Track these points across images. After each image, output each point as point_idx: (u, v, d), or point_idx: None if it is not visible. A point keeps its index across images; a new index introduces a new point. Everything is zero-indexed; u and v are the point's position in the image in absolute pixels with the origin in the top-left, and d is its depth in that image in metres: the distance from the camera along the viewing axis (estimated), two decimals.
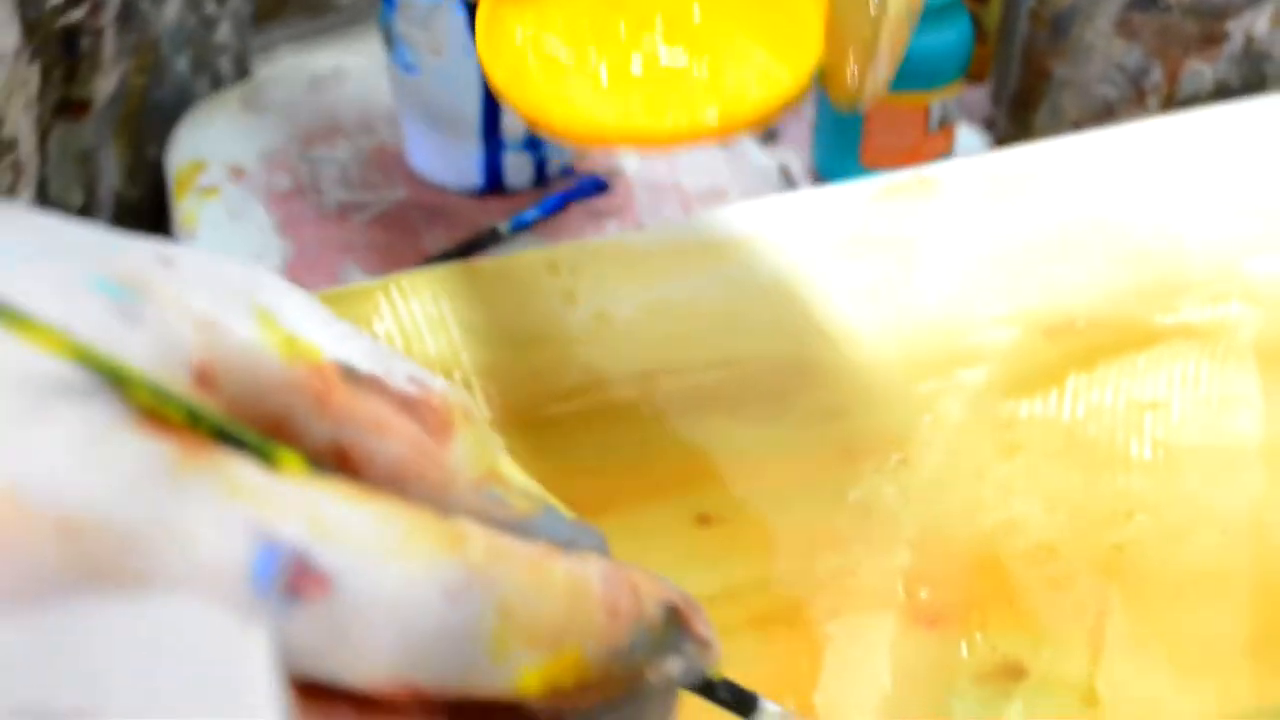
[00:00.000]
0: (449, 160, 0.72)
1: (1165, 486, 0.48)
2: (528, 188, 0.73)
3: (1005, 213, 0.58)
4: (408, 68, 0.69)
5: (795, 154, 0.75)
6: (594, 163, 0.74)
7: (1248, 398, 0.51)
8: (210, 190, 0.72)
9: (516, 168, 0.72)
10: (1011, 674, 0.42)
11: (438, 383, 0.28)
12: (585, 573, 0.25)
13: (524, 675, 0.24)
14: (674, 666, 0.28)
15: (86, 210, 0.73)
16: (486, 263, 0.57)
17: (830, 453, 0.49)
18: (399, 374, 0.27)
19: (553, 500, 0.28)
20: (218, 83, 0.80)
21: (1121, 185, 0.59)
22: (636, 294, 0.55)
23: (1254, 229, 0.57)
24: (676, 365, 0.52)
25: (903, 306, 0.54)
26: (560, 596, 0.25)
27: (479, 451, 0.28)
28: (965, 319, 0.54)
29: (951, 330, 0.53)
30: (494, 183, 0.72)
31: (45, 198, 0.70)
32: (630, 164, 0.74)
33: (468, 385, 0.50)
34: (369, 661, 0.23)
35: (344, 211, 0.72)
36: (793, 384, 0.52)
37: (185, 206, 0.71)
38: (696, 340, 0.53)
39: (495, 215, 0.71)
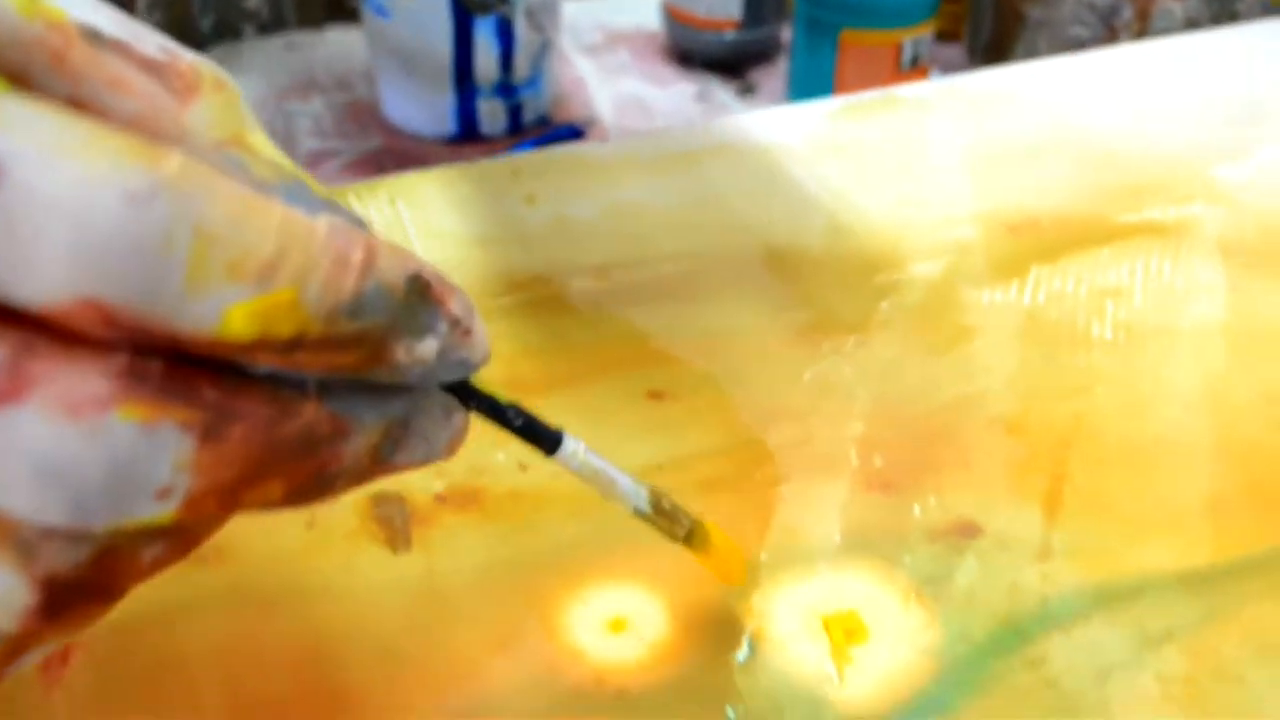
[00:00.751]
0: (422, 108, 0.72)
1: (1126, 363, 0.47)
2: (502, 135, 0.73)
3: (972, 124, 0.58)
4: (380, 10, 0.69)
5: (771, 106, 0.75)
6: (569, 110, 0.74)
7: (1211, 286, 0.51)
8: None
9: (490, 115, 0.72)
10: (965, 532, 0.42)
11: (191, 54, 0.27)
12: (309, 218, 0.23)
13: (228, 313, 0.22)
14: (426, 349, 0.26)
15: None
16: (446, 170, 0.56)
17: (786, 336, 0.48)
18: (149, 42, 0.26)
19: (308, 179, 0.26)
20: (200, 45, 0.80)
21: (1089, 101, 0.59)
22: (597, 197, 0.54)
23: (1219, 139, 0.57)
24: (634, 259, 0.51)
25: (863, 207, 0.54)
26: (272, 230, 0.23)
27: (224, 117, 0.26)
28: (926, 218, 0.53)
29: (912, 227, 0.53)
30: (468, 130, 0.72)
31: None
32: (605, 112, 0.74)
33: None
34: (43, 269, 0.21)
35: (316, 159, 0.71)
36: (750, 276, 0.51)
37: None
38: (655, 237, 0.52)
39: (469, 162, 0.70)
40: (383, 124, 0.73)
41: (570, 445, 0.34)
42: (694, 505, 0.41)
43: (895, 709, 0.37)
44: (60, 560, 0.24)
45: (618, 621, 0.39)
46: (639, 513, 0.36)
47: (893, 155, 0.56)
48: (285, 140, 0.71)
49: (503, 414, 0.32)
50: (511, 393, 0.48)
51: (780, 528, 0.42)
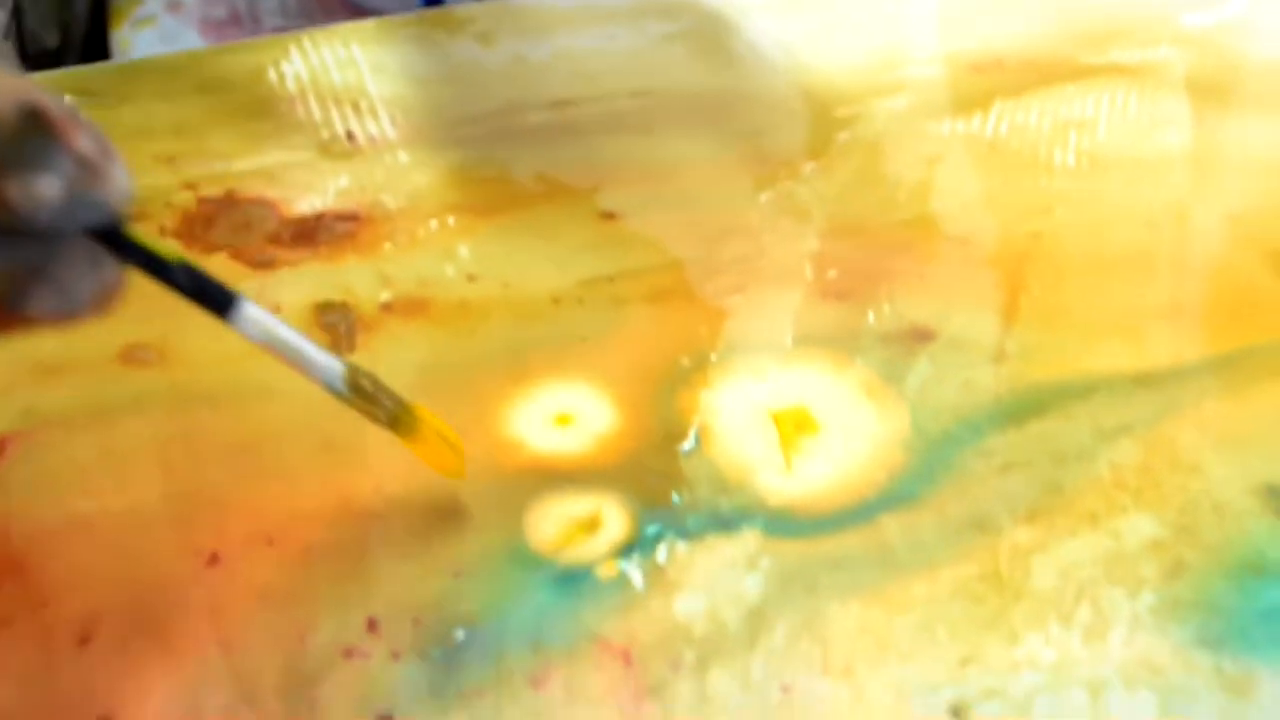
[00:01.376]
0: None
1: (1088, 187, 0.46)
2: None
3: None
4: None
5: None
6: None
7: (1176, 118, 0.50)
8: (147, 20, 0.71)
9: None
10: (919, 336, 0.41)
11: None
12: None
13: None
14: (46, 186, 0.24)
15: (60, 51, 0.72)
16: (403, 17, 0.55)
17: (742, 164, 0.47)
18: None
19: None
20: None
21: None
22: (555, 40, 0.54)
23: None
24: (589, 96, 0.51)
25: (825, 50, 0.53)
26: None
27: None
28: (889, 58, 0.52)
29: (875, 66, 0.52)
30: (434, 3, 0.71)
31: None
32: None
33: (373, 112, 0.49)
34: None
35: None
36: (708, 110, 0.50)
37: (120, 35, 0.70)
38: (610, 77, 0.52)
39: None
40: (348, 3, 0.72)
41: (249, 310, 0.31)
42: (644, 313, 0.40)
43: (847, 497, 0.36)
44: None
45: (564, 417, 0.38)
46: (333, 391, 0.33)
47: (859, 6, 0.55)
48: (250, 21, 0.70)
49: (165, 270, 0.29)
50: (461, 216, 0.48)
51: (731, 332, 0.41)
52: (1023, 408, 0.39)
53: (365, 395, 0.34)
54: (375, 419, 0.34)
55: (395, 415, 0.35)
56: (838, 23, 0.54)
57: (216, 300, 0.30)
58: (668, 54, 0.53)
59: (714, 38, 0.54)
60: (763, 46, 0.53)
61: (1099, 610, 0.34)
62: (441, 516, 0.36)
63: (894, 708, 0.32)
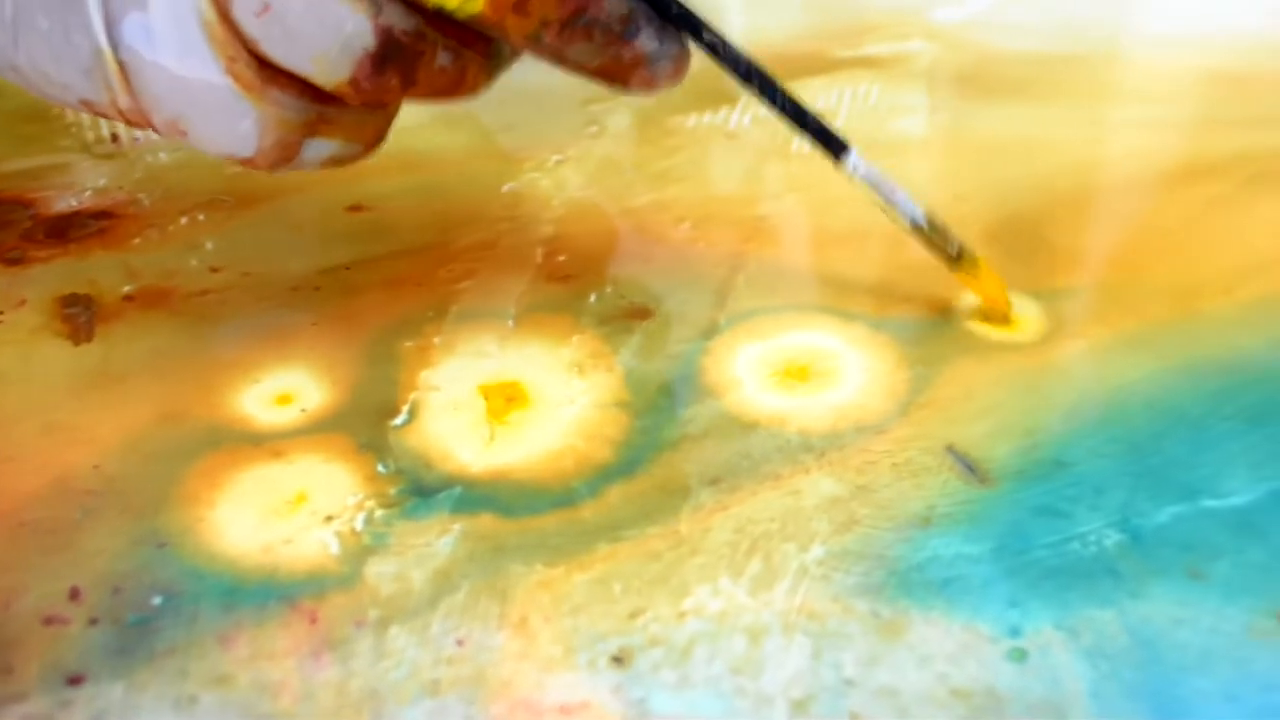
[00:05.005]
0: None
1: (820, 172, 0.49)
2: None
3: None
4: None
5: None
6: None
7: (915, 106, 0.52)
8: None
9: None
10: (636, 315, 0.43)
11: None
12: None
13: None
14: None
15: None
16: None
17: (491, 156, 0.49)
18: None
19: None
20: None
21: None
22: None
23: None
24: None
25: None
26: None
27: None
28: None
29: None
30: None
31: None
32: None
33: None
34: None
35: None
36: (460, 108, 0.52)
37: None
38: None
39: None
40: None
41: (854, 157, 0.41)
42: (378, 297, 0.42)
43: (546, 467, 0.38)
44: (397, 20, 0.33)
45: (284, 396, 0.40)
46: (915, 225, 0.42)
47: None
48: None
49: (782, 100, 0.40)
50: (213, 212, 0.49)
51: (456, 316, 0.43)
52: (724, 383, 0.41)
53: (939, 231, 0.42)
54: (945, 254, 0.42)
55: (961, 251, 0.42)
56: None
57: (833, 144, 0.41)
58: None
59: None
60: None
61: (769, 563, 0.36)
62: (155, 491, 0.38)
63: (561, 658, 0.34)
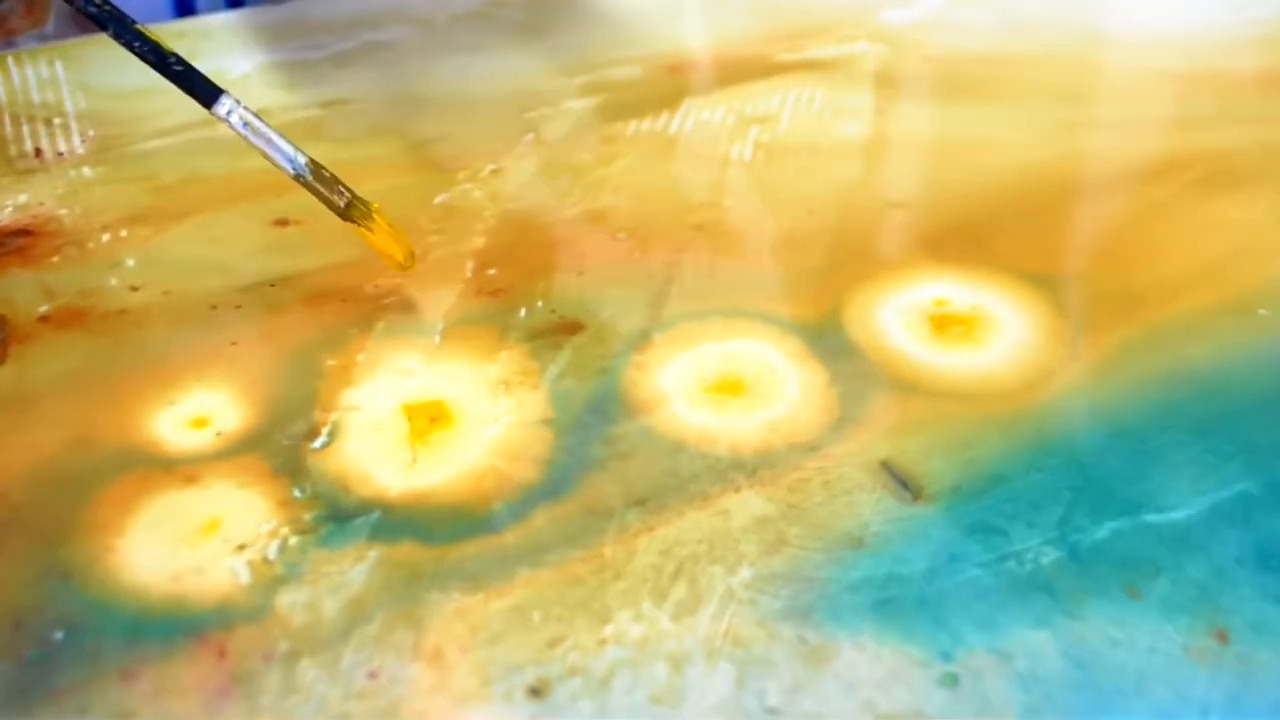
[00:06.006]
0: None
1: (760, 177, 0.48)
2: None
3: None
4: None
5: None
6: None
7: (859, 110, 0.51)
8: None
9: None
10: (567, 330, 0.42)
11: None
12: None
13: None
14: None
15: None
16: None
17: (426, 167, 0.48)
18: None
19: None
20: None
21: None
22: (256, 55, 0.54)
23: None
24: (285, 104, 0.51)
25: (515, 53, 0.54)
26: None
27: None
28: (583, 62, 0.53)
29: (572, 69, 0.53)
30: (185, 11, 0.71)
31: None
32: None
33: (65, 129, 0.49)
34: None
35: None
36: (394, 118, 0.51)
37: None
38: (308, 86, 0.52)
39: None
40: None
41: (227, 103, 0.39)
42: (297, 314, 0.41)
43: (468, 489, 0.37)
44: None
45: (200, 419, 0.39)
46: (298, 175, 0.40)
47: (563, 8, 0.56)
48: None
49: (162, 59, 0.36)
50: (135, 228, 0.48)
51: (381, 332, 0.42)
52: (654, 393, 0.40)
53: (325, 182, 0.41)
54: (332, 206, 0.41)
55: (350, 202, 0.41)
56: (542, 25, 0.55)
57: (203, 92, 0.38)
58: (366, 64, 0.54)
59: (414, 46, 0.55)
60: (460, 53, 0.54)
61: (695, 587, 0.35)
62: (62, 518, 0.36)
63: (476, 690, 0.33)
